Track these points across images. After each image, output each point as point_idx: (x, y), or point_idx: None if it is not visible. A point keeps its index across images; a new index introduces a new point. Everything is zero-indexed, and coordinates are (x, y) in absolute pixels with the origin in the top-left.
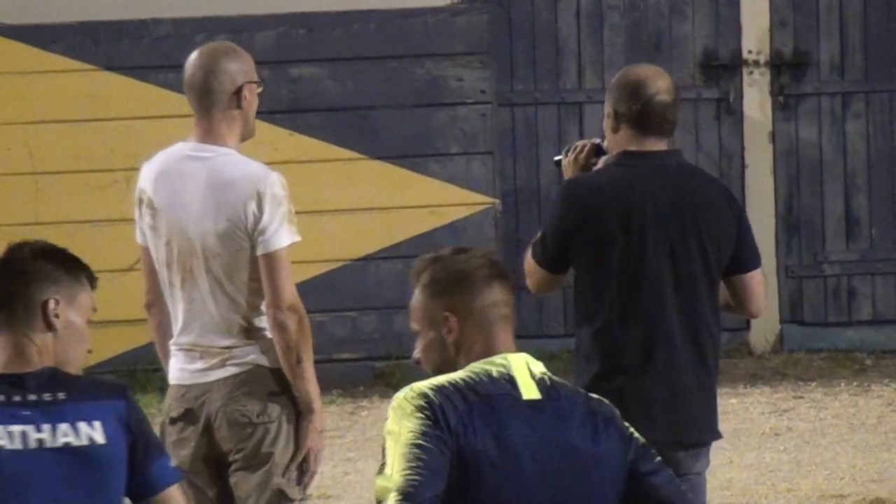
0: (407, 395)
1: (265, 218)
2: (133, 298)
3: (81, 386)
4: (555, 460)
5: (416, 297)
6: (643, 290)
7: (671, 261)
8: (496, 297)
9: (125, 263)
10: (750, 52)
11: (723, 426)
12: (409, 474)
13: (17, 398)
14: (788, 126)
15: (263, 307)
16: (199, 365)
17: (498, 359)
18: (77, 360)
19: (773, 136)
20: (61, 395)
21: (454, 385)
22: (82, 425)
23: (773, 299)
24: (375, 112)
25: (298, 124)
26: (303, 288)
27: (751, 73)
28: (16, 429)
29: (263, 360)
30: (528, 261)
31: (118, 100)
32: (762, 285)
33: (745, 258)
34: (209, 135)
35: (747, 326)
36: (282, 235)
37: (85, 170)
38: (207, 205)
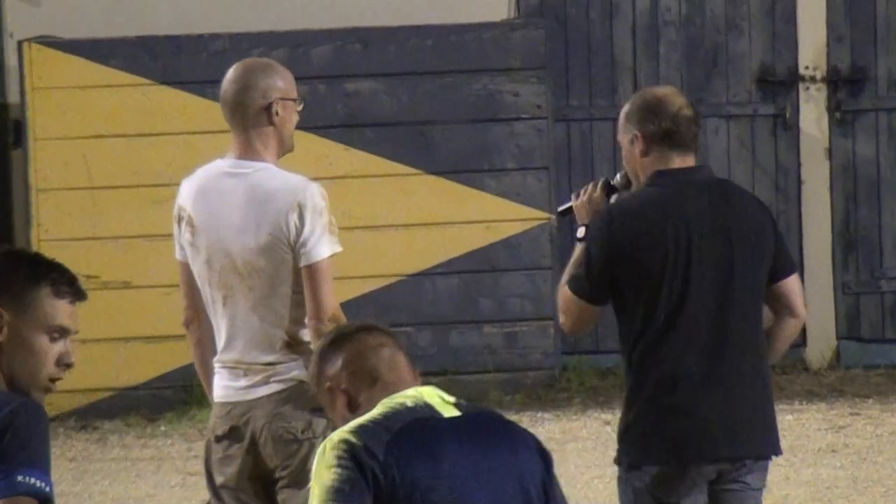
0: (325, 447)
1: (306, 229)
2: None
3: None
4: (487, 473)
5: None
6: (691, 306)
7: (717, 275)
8: (369, 345)
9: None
10: (807, 67)
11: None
12: None
13: None
14: (845, 142)
15: (306, 320)
16: (243, 382)
17: (410, 391)
18: (32, 376)
19: (830, 152)
20: None
21: (373, 420)
22: None
23: (829, 315)
24: (431, 127)
25: (354, 139)
26: (358, 303)
27: (807, 88)
28: None
29: (307, 376)
30: (567, 297)
31: (175, 114)
32: (800, 288)
33: (785, 265)
34: (246, 151)
35: (803, 343)
36: (323, 246)
37: (141, 184)
38: (248, 220)
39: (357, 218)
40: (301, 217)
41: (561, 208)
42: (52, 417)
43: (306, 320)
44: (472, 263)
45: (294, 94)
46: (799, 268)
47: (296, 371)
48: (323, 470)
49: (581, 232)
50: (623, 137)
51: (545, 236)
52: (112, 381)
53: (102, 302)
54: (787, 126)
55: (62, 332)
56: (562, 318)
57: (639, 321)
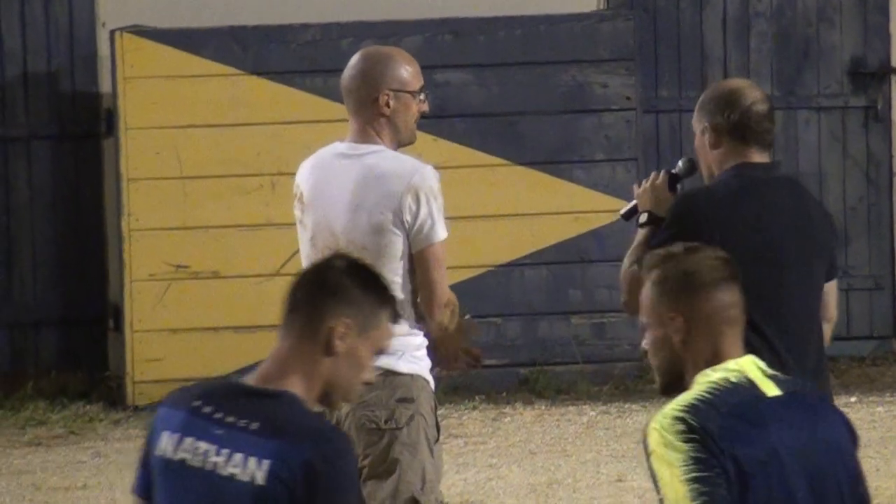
0: (663, 424)
1: (422, 212)
2: (278, 303)
3: (285, 424)
4: (814, 454)
5: (646, 292)
6: (776, 301)
7: (797, 272)
8: (726, 299)
9: (271, 268)
10: None
11: (870, 434)
12: None
13: (218, 415)
14: None
15: (419, 304)
16: None
17: (731, 364)
18: (349, 388)
19: None
20: (254, 426)
21: (702, 400)
22: (252, 461)
23: None
24: (520, 118)
25: (443, 130)
26: None
27: None
28: (202, 446)
29: (394, 365)
30: (631, 275)
31: (265, 104)
32: (836, 292)
33: (834, 268)
34: (360, 135)
35: (894, 334)
36: (438, 230)
37: (231, 174)
38: (359, 199)
39: (446, 208)
40: (417, 199)
41: (623, 211)
42: (142, 408)
43: (420, 305)
44: (560, 254)
45: (414, 87)
46: (891, 260)
47: (383, 359)
48: (667, 449)
49: (644, 217)
50: (696, 126)
51: (633, 227)
52: (202, 370)
53: (192, 292)
54: (878, 118)
55: (381, 353)
56: (625, 298)
57: None
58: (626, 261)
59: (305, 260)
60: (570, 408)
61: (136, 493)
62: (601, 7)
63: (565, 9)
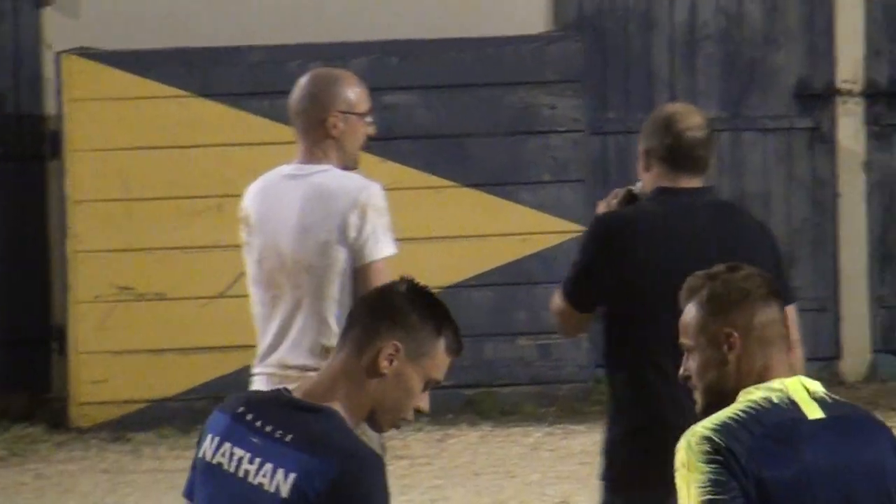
0: (690, 442)
1: (367, 228)
2: (223, 325)
3: (317, 439)
4: (851, 479)
5: (693, 313)
6: (663, 335)
7: None
8: (774, 315)
9: (215, 290)
10: (845, 81)
11: None
12: None
13: (258, 423)
14: (882, 156)
15: None
16: None
17: (775, 384)
18: (397, 413)
19: (867, 166)
20: (288, 437)
21: (736, 420)
22: (280, 472)
23: (864, 329)
24: (468, 140)
25: (390, 151)
26: None
27: (845, 102)
28: (238, 452)
29: None
30: (556, 299)
31: (212, 126)
32: (797, 319)
33: (788, 291)
34: (308, 156)
35: (839, 356)
36: (382, 247)
37: (177, 196)
38: (306, 218)
39: (393, 229)
40: (363, 216)
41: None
42: (85, 429)
43: None
44: (507, 276)
45: (362, 109)
46: (834, 281)
47: None
48: (689, 468)
49: None
50: (639, 146)
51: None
52: (146, 392)
53: (137, 314)
54: (824, 140)
55: (434, 385)
56: (555, 320)
57: (623, 341)
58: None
59: (251, 282)
60: (516, 429)
61: (185, 495)
62: (549, 29)
63: (513, 31)
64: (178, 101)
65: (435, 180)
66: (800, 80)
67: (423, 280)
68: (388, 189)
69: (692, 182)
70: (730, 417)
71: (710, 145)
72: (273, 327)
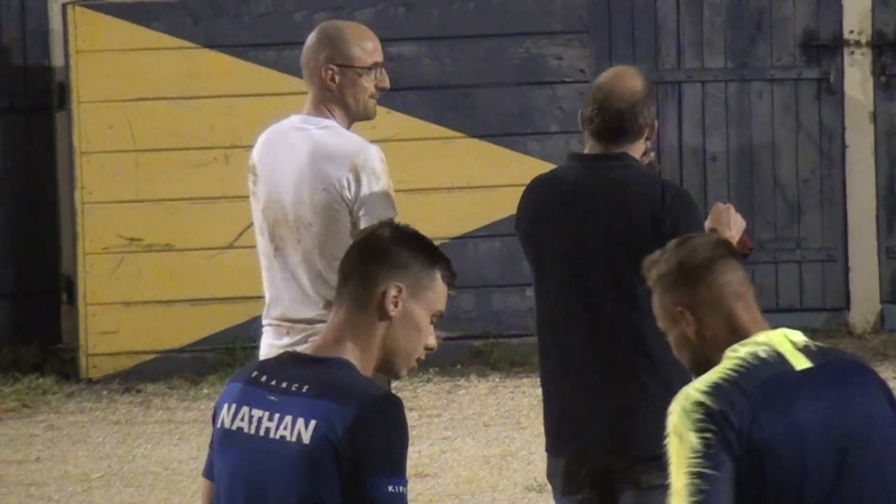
0: (684, 406)
1: (363, 192)
2: (232, 276)
3: (332, 386)
4: (841, 428)
5: (653, 298)
6: (566, 291)
7: (596, 266)
8: (724, 277)
9: (224, 241)
10: (851, 32)
11: None
12: None
13: (272, 382)
14: (890, 106)
15: None
16: (286, 340)
17: (760, 337)
18: (410, 354)
19: (875, 117)
20: (304, 388)
21: (727, 379)
22: (300, 421)
23: (873, 279)
24: (474, 90)
25: (397, 103)
26: None
27: (852, 53)
28: (256, 413)
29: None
30: None
31: (218, 78)
32: None
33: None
34: (314, 108)
35: (847, 307)
36: (379, 209)
37: (185, 147)
38: (305, 174)
39: (399, 181)
40: (357, 179)
41: None
42: (95, 380)
43: None
44: (514, 227)
45: (364, 62)
46: (843, 232)
47: None
48: (680, 436)
49: None
50: None
51: None
52: (155, 343)
53: (145, 264)
54: (831, 90)
55: (438, 317)
56: None
57: (536, 301)
58: None
59: (257, 231)
60: (525, 380)
61: (205, 475)
62: None
63: None
64: (184, 52)
65: (441, 131)
66: (807, 30)
67: (430, 231)
68: (394, 140)
69: (607, 149)
70: (721, 377)
71: (632, 115)
72: (276, 280)
